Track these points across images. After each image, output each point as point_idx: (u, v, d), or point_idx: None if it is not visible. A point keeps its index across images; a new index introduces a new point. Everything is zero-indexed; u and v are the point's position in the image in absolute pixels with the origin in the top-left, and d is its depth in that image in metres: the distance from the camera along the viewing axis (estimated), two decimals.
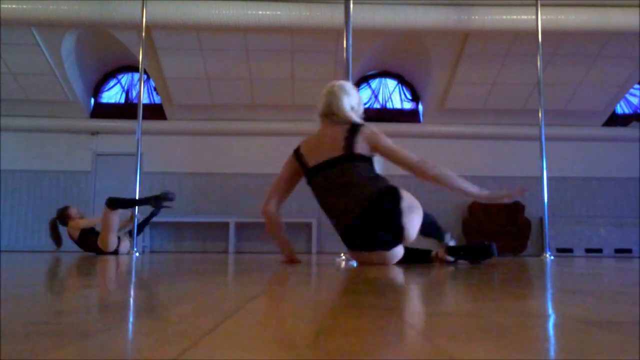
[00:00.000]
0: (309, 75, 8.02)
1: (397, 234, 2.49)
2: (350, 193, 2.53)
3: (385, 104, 9.09)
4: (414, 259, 2.78)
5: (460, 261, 2.72)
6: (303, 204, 8.78)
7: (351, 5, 3.85)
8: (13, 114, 8.49)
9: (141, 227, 5.58)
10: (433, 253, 2.74)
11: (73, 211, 5.37)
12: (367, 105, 8.79)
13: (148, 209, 5.63)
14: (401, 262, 2.72)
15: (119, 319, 0.73)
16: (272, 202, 2.79)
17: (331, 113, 2.73)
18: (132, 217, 5.35)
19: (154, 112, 8.71)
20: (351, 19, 3.81)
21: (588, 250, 8.37)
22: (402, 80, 9.18)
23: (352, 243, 2.58)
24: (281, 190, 2.81)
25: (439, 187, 2.58)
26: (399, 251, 2.57)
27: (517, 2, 6.64)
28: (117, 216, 5.09)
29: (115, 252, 5.15)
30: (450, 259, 2.67)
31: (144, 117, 5.57)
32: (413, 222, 2.50)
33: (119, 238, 5.20)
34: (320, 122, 2.80)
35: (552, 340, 0.58)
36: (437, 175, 2.55)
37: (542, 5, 5.45)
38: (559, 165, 8.43)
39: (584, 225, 8.50)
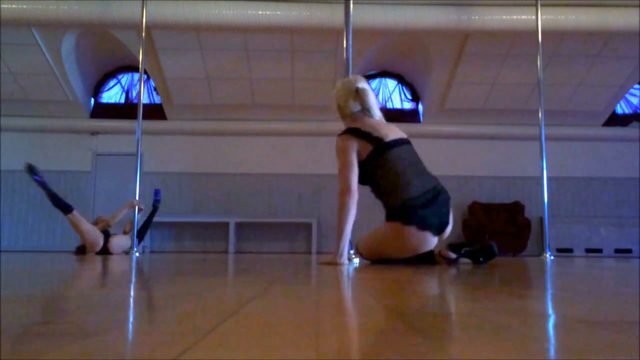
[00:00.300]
0: (309, 75, 8.02)
1: (443, 226, 2.66)
2: (421, 171, 2.72)
3: (385, 104, 9.09)
4: (417, 259, 2.80)
5: (463, 260, 2.73)
6: (303, 204, 8.80)
7: (351, 5, 3.85)
8: (13, 114, 8.49)
9: (141, 232, 5.55)
10: (436, 251, 2.76)
11: (99, 218, 5.46)
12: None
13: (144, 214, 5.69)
14: (404, 262, 2.75)
15: (119, 319, 0.73)
16: (355, 181, 2.69)
17: (365, 110, 2.87)
18: (132, 222, 5.35)
19: (154, 112, 8.71)
20: (351, 19, 3.81)
21: (588, 250, 8.37)
22: (402, 80, 9.18)
23: (408, 214, 2.59)
24: (355, 169, 2.69)
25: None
26: (435, 242, 2.67)
27: (517, 2, 6.64)
28: (77, 218, 5.13)
29: (106, 252, 5.10)
30: (453, 255, 2.70)
31: (144, 117, 5.57)
32: (451, 224, 2.71)
33: (107, 237, 5.16)
34: (357, 118, 2.87)
35: (552, 340, 0.58)
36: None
37: (542, 5, 5.46)
38: (559, 165, 8.43)
39: (584, 225, 8.50)
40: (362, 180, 2.75)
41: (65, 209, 5.15)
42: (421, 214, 2.57)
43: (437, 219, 2.62)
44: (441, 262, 2.73)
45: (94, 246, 5.09)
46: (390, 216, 2.66)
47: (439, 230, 2.65)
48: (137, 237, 5.27)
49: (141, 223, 5.70)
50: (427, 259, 2.76)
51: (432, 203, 2.60)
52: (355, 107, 2.87)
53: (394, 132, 2.81)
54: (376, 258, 2.82)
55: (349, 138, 2.74)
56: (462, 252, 2.70)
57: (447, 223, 2.68)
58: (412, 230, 2.57)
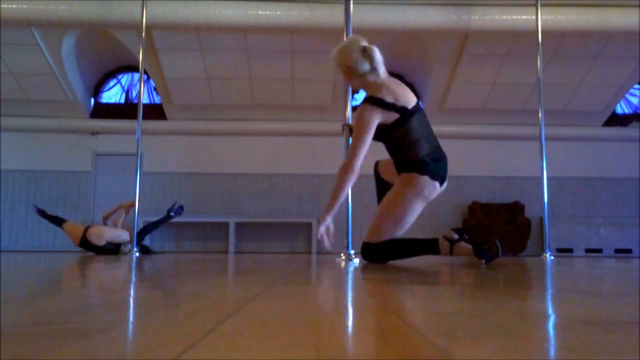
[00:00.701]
0: (309, 75, 8.02)
1: (444, 180, 2.93)
2: (431, 134, 2.94)
3: None
4: (422, 249, 2.88)
5: (464, 244, 2.79)
6: (303, 204, 8.80)
7: (351, 5, 3.85)
8: (13, 114, 8.49)
9: (142, 232, 5.56)
10: (440, 237, 2.85)
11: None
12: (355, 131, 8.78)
13: (146, 211, 5.69)
14: (409, 255, 2.87)
15: (119, 319, 0.73)
16: (361, 160, 2.81)
17: (373, 69, 2.90)
18: (123, 216, 5.45)
19: (154, 112, 8.71)
20: (351, 19, 3.81)
21: (588, 250, 8.37)
22: (402, 80, 9.18)
23: (424, 167, 2.82)
24: (366, 148, 2.80)
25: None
26: (439, 191, 2.91)
27: (517, 2, 6.64)
28: (67, 222, 5.34)
29: (89, 244, 5.14)
30: (456, 236, 2.83)
31: (144, 117, 5.56)
32: (447, 181, 3.00)
33: (86, 230, 5.17)
34: (370, 81, 2.90)
35: (552, 340, 0.58)
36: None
37: (542, 5, 5.45)
38: (559, 165, 8.43)
39: (584, 225, 8.50)
40: (378, 138, 2.87)
41: (61, 222, 5.34)
42: (432, 167, 2.84)
43: (442, 173, 2.90)
44: (445, 247, 2.80)
45: (73, 239, 5.20)
46: (407, 168, 2.87)
47: (441, 182, 2.91)
48: (137, 236, 5.25)
49: (146, 223, 5.75)
50: (431, 249, 2.84)
51: (439, 160, 2.89)
52: (365, 66, 2.88)
53: (410, 95, 2.91)
54: (385, 230, 2.87)
55: (375, 110, 2.77)
56: (464, 236, 2.84)
57: (446, 178, 2.94)
58: (426, 179, 2.83)
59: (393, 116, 2.78)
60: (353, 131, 2.86)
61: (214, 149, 8.82)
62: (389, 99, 2.78)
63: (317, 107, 8.48)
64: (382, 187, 3.14)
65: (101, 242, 5.11)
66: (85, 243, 5.11)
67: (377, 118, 2.76)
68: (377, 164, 3.25)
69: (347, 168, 2.77)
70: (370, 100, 2.79)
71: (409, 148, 2.83)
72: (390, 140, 2.88)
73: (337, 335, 0.60)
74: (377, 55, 2.89)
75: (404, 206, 2.85)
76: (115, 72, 9.16)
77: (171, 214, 5.83)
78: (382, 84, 2.85)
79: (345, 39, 3.76)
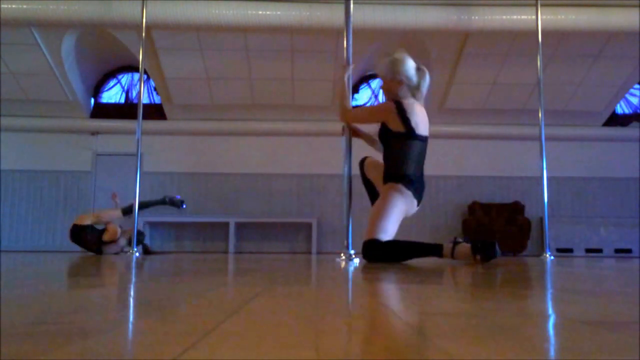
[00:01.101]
0: (309, 75, 8.02)
1: (419, 203, 3.19)
2: (422, 165, 3.22)
3: None
4: (424, 252, 2.93)
5: (464, 244, 2.82)
6: (303, 204, 8.80)
7: (351, 5, 3.85)
8: (13, 114, 8.49)
9: (141, 205, 5.62)
10: (446, 243, 2.90)
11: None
12: (367, 105, 8.77)
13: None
14: (411, 257, 2.93)
15: (119, 319, 0.73)
16: (350, 120, 3.29)
17: (417, 88, 3.22)
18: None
19: (154, 112, 8.71)
20: (351, 19, 3.81)
21: (588, 250, 8.36)
22: None
23: (409, 182, 3.09)
24: (362, 121, 3.33)
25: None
26: (415, 211, 3.19)
27: (517, 2, 6.64)
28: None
29: (77, 230, 5.29)
30: (460, 239, 2.90)
31: (144, 117, 5.56)
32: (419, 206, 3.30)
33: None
34: (409, 93, 3.21)
35: (552, 340, 0.58)
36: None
37: (542, 5, 5.45)
38: (559, 165, 8.43)
39: (584, 225, 8.50)
40: (381, 135, 3.17)
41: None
42: (416, 187, 3.12)
43: (420, 197, 3.16)
44: (448, 250, 2.84)
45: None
46: (396, 179, 3.10)
47: (418, 204, 3.17)
48: (129, 210, 5.38)
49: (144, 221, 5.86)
50: (435, 252, 2.90)
51: (421, 187, 3.18)
52: (414, 81, 3.19)
53: (425, 126, 3.18)
54: (382, 226, 2.98)
55: (393, 112, 3.07)
56: (466, 238, 2.88)
57: (420, 203, 3.20)
58: (410, 193, 3.09)
59: (400, 127, 3.06)
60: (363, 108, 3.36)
61: (213, 149, 8.82)
62: (408, 115, 3.08)
63: (317, 107, 8.48)
64: (368, 184, 3.38)
65: (86, 222, 5.33)
66: (73, 230, 5.28)
67: (387, 117, 3.08)
68: (363, 162, 3.45)
69: (342, 115, 3.30)
70: (396, 104, 3.10)
71: (401, 162, 3.10)
72: (389, 144, 3.14)
73: (337, 335, 0.60)
74: (427, 77, 3.25)
75: (390, 203, 3.06)
76: (115, 72, 9.16)
77: (166, 199, 5.90)
78: (413, 104, 3.15)
79: (345, 39, 3.79)
